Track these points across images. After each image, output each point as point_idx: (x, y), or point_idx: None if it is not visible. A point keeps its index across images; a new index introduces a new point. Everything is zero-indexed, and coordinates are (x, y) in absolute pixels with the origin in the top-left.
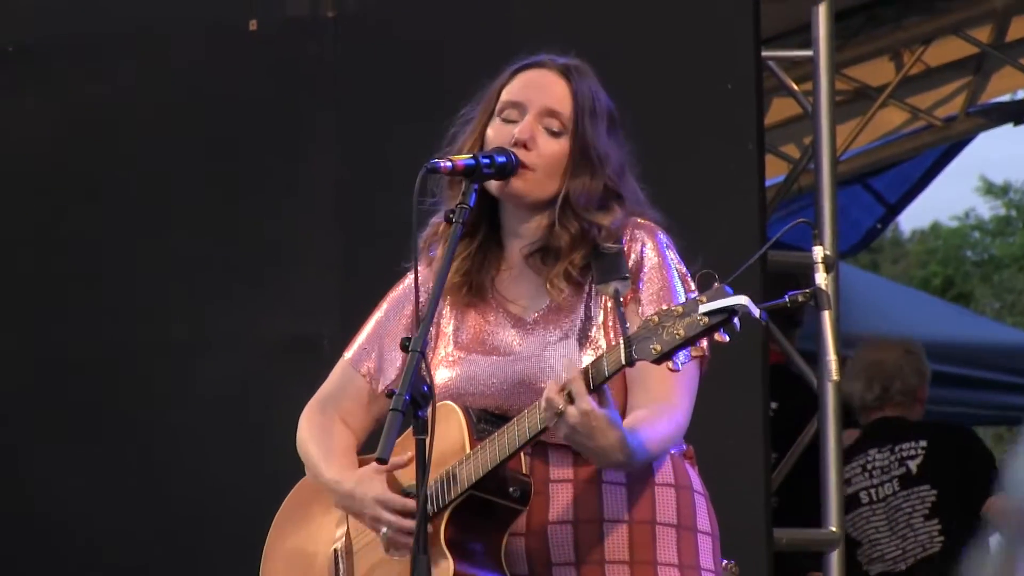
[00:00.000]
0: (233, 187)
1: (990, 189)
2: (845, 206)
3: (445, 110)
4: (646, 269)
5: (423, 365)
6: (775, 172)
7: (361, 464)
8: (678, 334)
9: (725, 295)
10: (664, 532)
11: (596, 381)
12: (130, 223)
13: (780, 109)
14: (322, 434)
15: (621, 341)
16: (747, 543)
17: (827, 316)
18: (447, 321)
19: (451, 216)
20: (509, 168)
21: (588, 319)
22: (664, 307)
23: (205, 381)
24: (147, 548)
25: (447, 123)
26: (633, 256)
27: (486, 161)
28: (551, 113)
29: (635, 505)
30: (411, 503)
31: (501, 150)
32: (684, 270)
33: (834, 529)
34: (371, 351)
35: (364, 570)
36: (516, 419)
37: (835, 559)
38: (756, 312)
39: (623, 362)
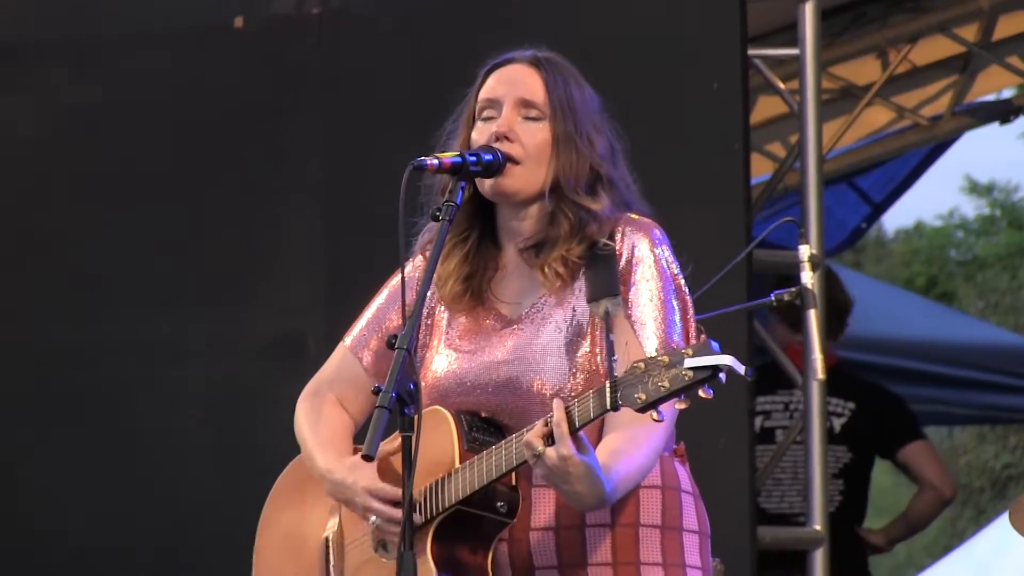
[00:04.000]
0: (219, 186)
1: (974, 188)
2: (830, 205)
3: (430, 107)
4: (638, 272)
5: (410, 362)
6: (760, 171)
7: (355, 452)
8: (663, 386)
9: (711, 352)
10: (648, 533)
11: (577, 425)
12: (115, 223)
13: (765, 108)
14: (318, 420)
15: (607, 385)
16: (732, 541)
17: (812, 315)
18: (442, 318)
19: (437, 214)
20: (496, 165)
21: (576, 321)
22: (652, 354)
23: (190, 381)
24: (132, 549)
25: (432, 121)
26: (624, 254)
27: (472, 159)
28: (526, 103)
29: (619, 510)
30: (400, 493)
31: (487, 148)
32: (677, 271)
33: (818, 528)
34: (370, 337)
35: (353, 566)
36: (505, 442)
37: (819, 558)
38: (741, 370)
39: (607, 407)
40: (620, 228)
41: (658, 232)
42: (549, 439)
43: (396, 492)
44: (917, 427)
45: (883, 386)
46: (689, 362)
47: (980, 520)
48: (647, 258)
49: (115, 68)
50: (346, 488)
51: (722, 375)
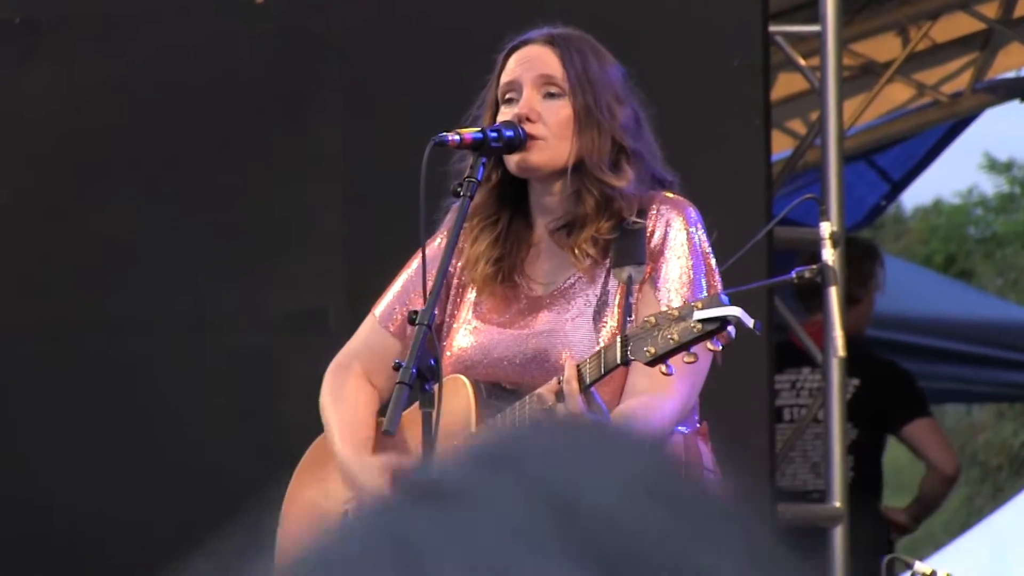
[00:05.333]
0: (238, 160)
1: (993, 166)
2: (849, 183)
3: (452, 83)
4: (670, 250)
5: (431, 339)
6: (781, 147)
7: (379, 425)
8: (672, 339)
9: (720, 304)
10: None
11: (587, 381)
12: (134, 197)
13: (786, 84)
14: (341, 399)
15: (618, 339)
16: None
17: (833, 292)
18: (470, 292)
19: (458, 190)
20: (517, 141)
21: (604, 296)
22: (663, 308)
23: (210, 356)
24: (152, 522)
25: (453, 96)
26: (658, 232)
27: (493, 135)
28: (545, 80)
29: None
30: None
31: (508, 124)
32: (710, 251)
33: (838, 505)
34: (398, 308)
35: None
36: (519, 403)
37: (838, 534)
38: (749, 323)
39: (618, 360)
40: (655, 206)
41: (693, 212)
42: (560, 396)
43: None
44: (921, 405)
45: (893, 363)
46: (698, 314)
47: (998, 498)
48: (680, 236)
49: (138, 41)
50: (357, 486)
51: (731, 328)
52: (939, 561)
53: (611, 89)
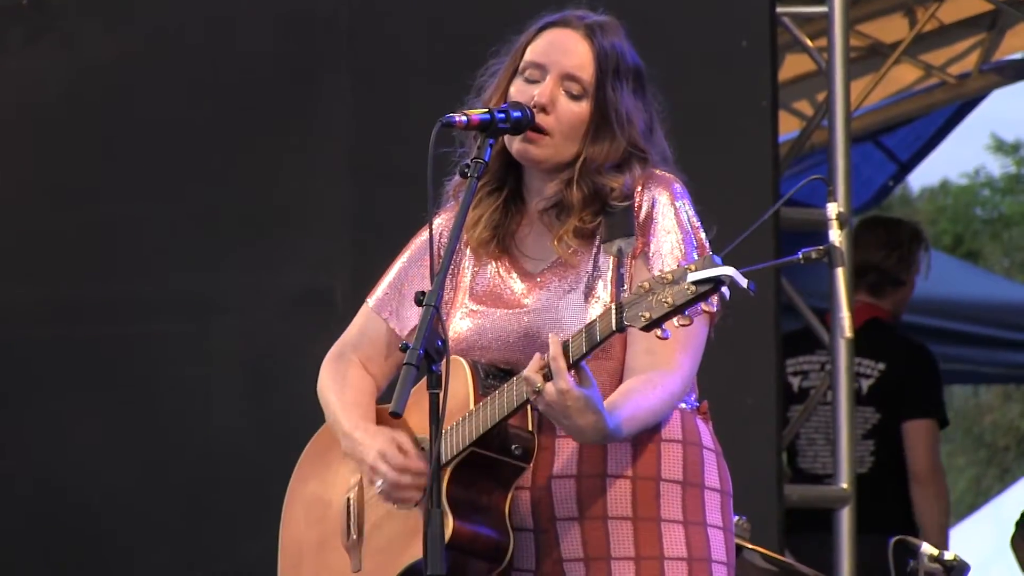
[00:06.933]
0: (246, 141)
1: (1000, 147)
2: (856, 164)
3: (459, 63)
4: (658, 222)
5: (438, 319)
6: (788, 128)
7: (378, 413)
8: (666, 302)
9: (713, 265)
10: (669, 488)
11: (575, 357)
12: (141, 177)
13: (793, 65)
14: (343, 384)
15: (613, 306)
16: (758, 500)
17: (840, 273)
18: (466, 273)
19: (466, 171)
20: (524, 123)
21: (595, 273)
22: (656, 274)
23: (217, 336)
24: (161, 503)
25: (462, 77)
26: (644, 207)
27: (501, 116)
28: (572, 77)
29: (639, 461)
30: (410, 461)
31: (517, 105)
32: (698, 224)
33: (845, 486)
34: (393, 297)
35: (372, 521)
36: (508, 383)
37: (845, 516)
38: (743, 283)
39: (613, 328)
40: (640, 182)
41: (678, 186)
42: (548, 375)
43: (406, 462)
44: (930, 403)
45: (920, 348)
46: (692, 276)
47: (1005, 479)
48: (667, 210)
49: (146, 22)
50: (360, 447)
51: (725, 288)
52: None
53: (633, 96)
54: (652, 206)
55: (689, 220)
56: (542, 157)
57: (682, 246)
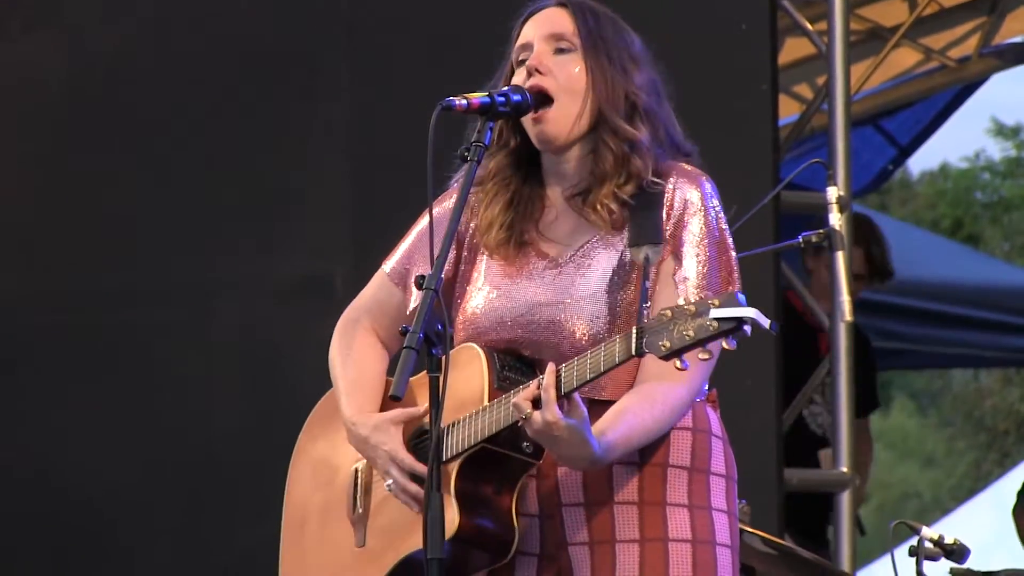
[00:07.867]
0: (244, 128)
1: (1000, 131)
2: (856, 147)
3: (458, 48)
4: (687, 226)
5: (438, 303)
6: (788, 112)
7: (387, 389)
8: (688, 335)
9: (737, 303)
10: (675, 474)
11: (567, 389)
12: (138, 162)
13: (793, 49)
14: (348, 357)
15: (634, 331)
16: (758, 484)
17: (840, 256)
18: (483, 253)
19: (466, 155)
20: (525, 106)
21: (621, 269)
22: (680, 302)
23: (216, 322)
24: (162, 491)
25: (461, 61)
26: (676, 206)
27: (501, 100)
28: (555, 36)
29: (648, 450)
30: (420, 466)
31: (516, 88)
32: (725, 226)
33: (845, 470)
34: (407, 264)
35: (378, 499)
36: (495, 402)
37: (846, 499)
38: (765, 324)
39: (632, 353)
40: (672, 177)
41: (709, 185)
42: (538, 403)
43: (415, 465)
44: (869, 400)
45: (867, 342)
46: (715, 312)
47: (1005, 463)
48: (698, 213)
49: (141, 9)
50: (369, 447)
51: (747, 327)
52: (946, 526)
53: (626, 50)
54: (684, 208)
55: (718, 222)
56: (555, 132)
57: (708, 251)
